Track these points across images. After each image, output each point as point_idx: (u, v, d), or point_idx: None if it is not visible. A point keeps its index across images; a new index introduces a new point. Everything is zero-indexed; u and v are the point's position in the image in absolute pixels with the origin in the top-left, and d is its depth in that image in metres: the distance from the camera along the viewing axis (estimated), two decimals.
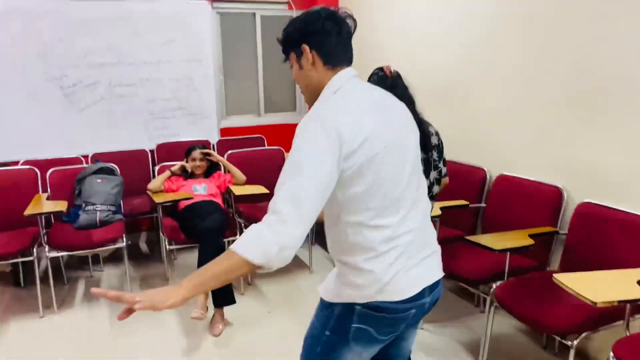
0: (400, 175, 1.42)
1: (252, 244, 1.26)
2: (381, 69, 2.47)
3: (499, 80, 3.23)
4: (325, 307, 1.55)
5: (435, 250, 1.57)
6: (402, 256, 1.42)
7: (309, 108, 1.47)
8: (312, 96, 1.52)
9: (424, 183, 1.57)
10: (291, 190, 1.27)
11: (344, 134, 1.30)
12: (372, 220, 1.39)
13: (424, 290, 1.47)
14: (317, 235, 4.77)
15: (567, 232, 2.76)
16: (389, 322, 1.46)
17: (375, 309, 1.43)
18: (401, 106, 1.55)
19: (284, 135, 5.37)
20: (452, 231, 3.39)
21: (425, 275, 1.50)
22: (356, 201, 1.37)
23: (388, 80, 2.39)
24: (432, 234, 1.58)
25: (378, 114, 1.40)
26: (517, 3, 3.02)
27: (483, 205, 3.35)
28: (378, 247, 1.40)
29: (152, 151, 4.70)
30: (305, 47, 1.47)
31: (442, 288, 1.59)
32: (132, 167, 4.47)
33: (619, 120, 2.51)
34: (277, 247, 1.23)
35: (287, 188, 1.28)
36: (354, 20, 1.54)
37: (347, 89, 1.44)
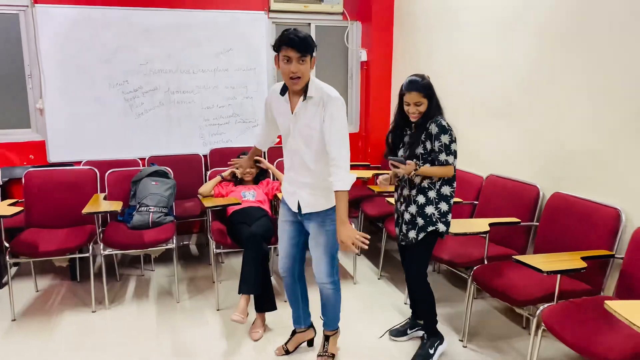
0: None
1: (347, 182, 2.39)
2: (424, 75, 2.74)
3: (557, 96, 3.12)
4: (327, 213, 2.58)
5: None
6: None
7: (297, 91, 2.46)
8: (304, 84, 2.43)
9: None
10: (347, 153, 2.42)
11: None
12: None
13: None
14: None
15: (624, 256, 2.61)
16: None
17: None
18: None
19: None
20: (502, 249, 3.29)
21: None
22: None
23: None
24: None
25: None
26: (579, 20, 2.92)
27: (535, 224, 3.23)
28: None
29: (205, 156, 4.83)
30: (315, 56, 2.44)
31: None
32: (186, 171, 4.62)
33: None
34: (353, 178, 2.41)
35: (345, 153, 2.41)
36: None
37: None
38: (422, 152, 2.69)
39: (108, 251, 3.56)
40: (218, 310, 3.53)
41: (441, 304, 3.55)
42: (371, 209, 4.32)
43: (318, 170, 2.54)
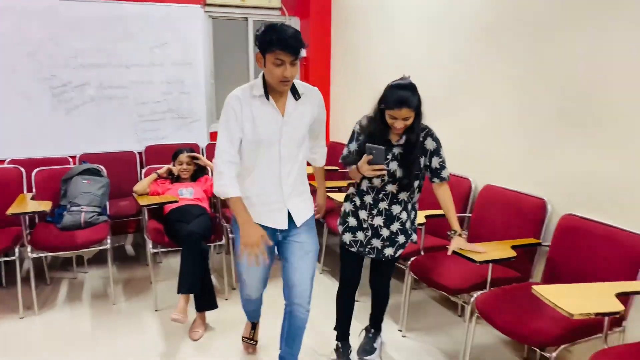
0: None
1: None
2: (410, 81, 2.39)
3: (485, 93, 3.25)
4: (312, 216, 2.46)
5: None
6: None
7: (284, 93, 2.24)
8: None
9: None
10: None
11: None
12: None
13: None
14: None
15: (550, 244, 2.76)
16: None
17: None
18: None
19: None
20: (438, 240, 3.39)
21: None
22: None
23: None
24: None
25: None
26: (504, 19, 3.05)
27: (468, 215, 3.36)
28: None
29: (140, 153, 4.68)
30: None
31: None
32: (120, 168, 4.46)
33: (603, 134, 2.53)
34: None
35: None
36: None
37: None
38: (417, 171, 2.44)
39: (37, 254, 3.38)
40: (156, 311, 3.44)
41: None
42: None
43: (305, 172, 2.41)
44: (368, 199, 2.52)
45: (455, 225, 2.55)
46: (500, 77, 3.13)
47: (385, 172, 2.38)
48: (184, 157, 3.83)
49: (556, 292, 2.04)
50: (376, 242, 2.54)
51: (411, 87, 2.30)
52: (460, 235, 2.55)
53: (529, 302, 2.41)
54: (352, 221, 2.60)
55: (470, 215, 3.32)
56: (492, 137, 3.24)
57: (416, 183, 2.48)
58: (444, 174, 2.48)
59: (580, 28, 2.60)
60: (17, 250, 3.40)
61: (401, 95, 2.26)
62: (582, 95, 2.62)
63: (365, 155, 2.37)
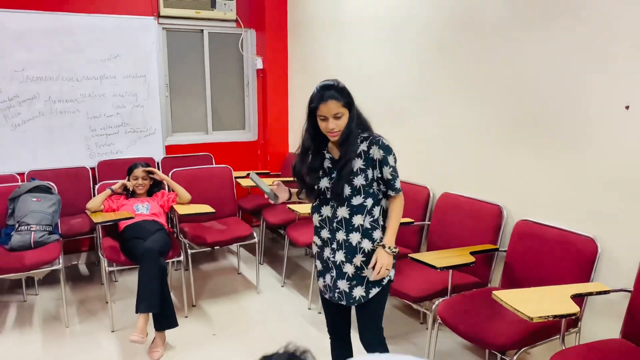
0: None
1: None
2: (336, 80, 2.10)
3: (440, 102, 3.32)
4: None
5: None
6: None
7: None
8: None
9: None
10: None
11: None
12: None
13: None
14: (265, 254, 4.72)
15: (507, 249, 2.83)
16: None
17: None
18: None
19: (233, 153, 5.32)
20: (399, 248, 3.41)
21: None
22: None
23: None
24: None
25: None
26: (455, 29, 3.13)
27: (427, 223, 3.40)
28: None
29: (93, 169, 4.54)
30: None
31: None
32: (72, 185, 4.30)
33: (554, 143, 2.61)
34: None
35: None
36: None
37: None
38: (364, 183, 2.09)
39: None
40: (113, 331, 3.31)
41: None
42: (272, 217, 4.30)
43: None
44: (325, 233, 2.19)
45: (387, 239, 2.13)
46: (454, 87, 3.20)
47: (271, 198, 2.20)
48: (139, 171, 3.73)
49: (515, 296, 2.08)
50: (342, 285, 2.16)
51: (335, 83, 2.06)
52: (384, 246, 2.10)
53: (489, 307, 2.45)
54: (318, 264, 2.26)
55: (429, 223, 3.37)
56: (448, 146, 3.30)
57: (369, 202, 2.12)
58: (397, 184, 2.12)
59: (529, 37, 2.69)
60: None
61: (323, 85, 2.05)
62: (532, 102, 2.71)
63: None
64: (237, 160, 5.24)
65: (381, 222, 2.17)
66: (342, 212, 2.12)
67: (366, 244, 2.12)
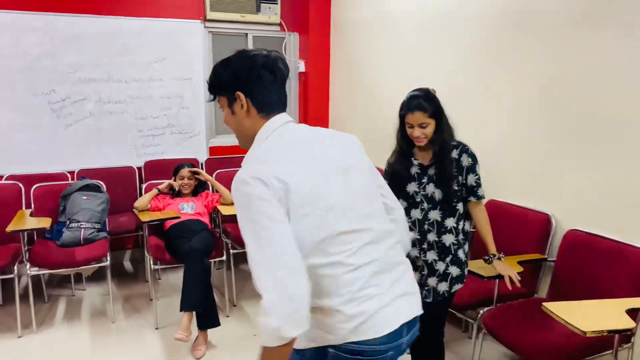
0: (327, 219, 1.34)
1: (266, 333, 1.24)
2: (428, 89, 2.29)
3: (490, 108, 3.26)
4: (295, 352, 1.41)
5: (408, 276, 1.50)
6: (368, 288, 1.35)
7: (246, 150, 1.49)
8: (247, 142, 1.49)
9: (378, 207, 1.51)
10: (265, 274, 1.26)
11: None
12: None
13: (401, 327, 1.39)
14: None
15: (555, 259, 2.75)
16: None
17: (350, 352, 1.35)
18: (344, 137, 1.54)
19: None
20: None
21: (403, 311, 1.42)
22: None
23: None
24: (399, 257, 1.51)
25: (308, 157, 1.39)
26: (508, 32, 3.06)
27: (472, 230, 3.34)
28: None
29: (139, 169, 4.65)
30: (240, 95, 1.43)
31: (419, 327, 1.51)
32: (119, 184, 4.42)
33: (609, 148, 2.53)
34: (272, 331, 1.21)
35: (260, 273, 1.27)
36: (286, 64, 1.53)
37: (279, 135, 1.42)
38: (456, 188, 2.25)
39: (35, 271, 3.33)
40: (157, 329, 3.39)
41: None
42: None
43: None
44: (414, 235, 2.29)
45: (493, 248, 2.37)
46: (505, 92, 3.14)
47: None
48: (185, 172, 3.81)
49: (566, 309, 2.02)
50: (432, 281, 2.28)
51: (425, 93, 2.23)
52: (499, 258, 2.36)
53: (537, 319, 2.39)
54: None
55: (474, 230, 3.30)
56: (497, 152, 3.23)
57: (460, 206, 2.28)
58: (480, 192, 2.28)
59: (586, 36, 2.61)
60: (15, 267, 3.35)
61: (411, 95, 2.23)
62: (588, 109, 2.63)
63: None
64: None
65: (462, 224, 2.32)
66: (434, 214, 2.26)
67: (452, 245, 2.27)
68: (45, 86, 4.32)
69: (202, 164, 4.88)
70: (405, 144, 2.29)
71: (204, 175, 3.89)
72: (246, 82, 1.44)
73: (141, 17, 4.58)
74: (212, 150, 5.07)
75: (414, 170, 2.29)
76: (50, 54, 4.30)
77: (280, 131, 1.43)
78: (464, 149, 2.26)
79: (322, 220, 1.33)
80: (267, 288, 1.22)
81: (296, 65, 5.33)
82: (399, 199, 2.21)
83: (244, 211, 1.28)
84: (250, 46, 5.18)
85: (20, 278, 3.63)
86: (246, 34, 5.15)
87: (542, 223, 2.86)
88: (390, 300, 1.39)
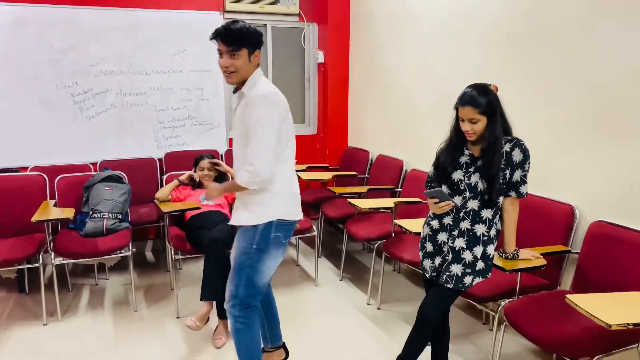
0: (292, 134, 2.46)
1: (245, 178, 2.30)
2: (486, 85, 2.24)
3: (512, 97, 3.20)
4: (248, 230, 2.36)
5: None
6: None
7: (235, 85, 2.37)
8: (239, 80, 2.31)
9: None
10: (259, 147, 2.29)
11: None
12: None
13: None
14: (323, 248, 4.74)
15: (579, 251, 2.71)
16: (290, 229, 2.43)
17: (286, 221, 2.37)
18: None
19: None
20: None
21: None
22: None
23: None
24: None
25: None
26: (529, 22, 3.00)
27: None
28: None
29: (160, 160, 4.70)
30: (258, 52, 2.32)
31: None
32: (140, 175, 4.48)
33: (635, 137, 2.47)
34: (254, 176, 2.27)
35: (256, 147, 2.28)
36: None
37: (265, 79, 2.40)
38: (500, 181, 2.23)
39: (59, 260, 3.39)
40: (178, 317, 3.43)
41: (403, 304, 3.59)
42: (331, 211, 4.31)
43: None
44: (447, 219, 2.34)
45: (514, 245, 2.41)
46: (527, 80, 3.08)
47: (453, 205, 2.28)
48: (205, 163, 3.83)
49: (591, 301, 1.98)
50: (456, 268, 2.29)
51: (481, 87, 2.19)
52: (516, 254, 2.43)
53: (560, 311, 2.36)
54: (429, 246, 2.41)
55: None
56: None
57: (501, 200, 2.28)
58: (523, 189, 2.26)
59: (611, 29, 2.55)
60: (40, 256, 3.42)
61: (465, 91, 2.21)
62: (612, 97, 2.57)
63: (429, 200, 2.32)
64: (297, 154, 5.26)
65: (497, 219, 2.34)
66: (473, 204, 2.27)
67: (487, 237, 2.29)
68: (68, 79, 4.39)
69: (222, 156, 4.91)
70: (456, 136, 2.30)
71: (223, 166, 3.88)
72: (260, 44, 2.31)
73: (162, 9, 4.61)
74: (232, 142, 5.08)
75: (464, 159, 2.30)
76: (74, 47, 4.36)
77: (264, 78, 2.40)
78: (518, 144, 2.23)
79: (287, 140, 2.40)
80: (265, 160, 2.23)
81: (315, 55, 5.32)
82: (442, 185, 2.36)
83: (267, 110, 2.25)
84: (269, 37, 5.17)
85: (45, 267, 3.71)
86: (265, 24, 5.14)
87: (565, 214, 2.81)
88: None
